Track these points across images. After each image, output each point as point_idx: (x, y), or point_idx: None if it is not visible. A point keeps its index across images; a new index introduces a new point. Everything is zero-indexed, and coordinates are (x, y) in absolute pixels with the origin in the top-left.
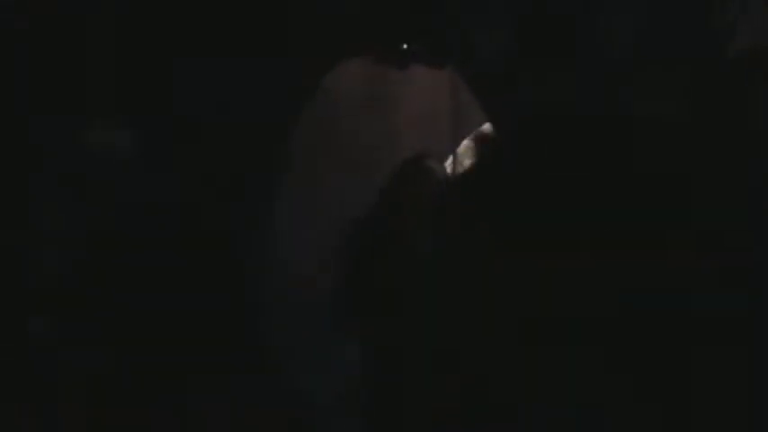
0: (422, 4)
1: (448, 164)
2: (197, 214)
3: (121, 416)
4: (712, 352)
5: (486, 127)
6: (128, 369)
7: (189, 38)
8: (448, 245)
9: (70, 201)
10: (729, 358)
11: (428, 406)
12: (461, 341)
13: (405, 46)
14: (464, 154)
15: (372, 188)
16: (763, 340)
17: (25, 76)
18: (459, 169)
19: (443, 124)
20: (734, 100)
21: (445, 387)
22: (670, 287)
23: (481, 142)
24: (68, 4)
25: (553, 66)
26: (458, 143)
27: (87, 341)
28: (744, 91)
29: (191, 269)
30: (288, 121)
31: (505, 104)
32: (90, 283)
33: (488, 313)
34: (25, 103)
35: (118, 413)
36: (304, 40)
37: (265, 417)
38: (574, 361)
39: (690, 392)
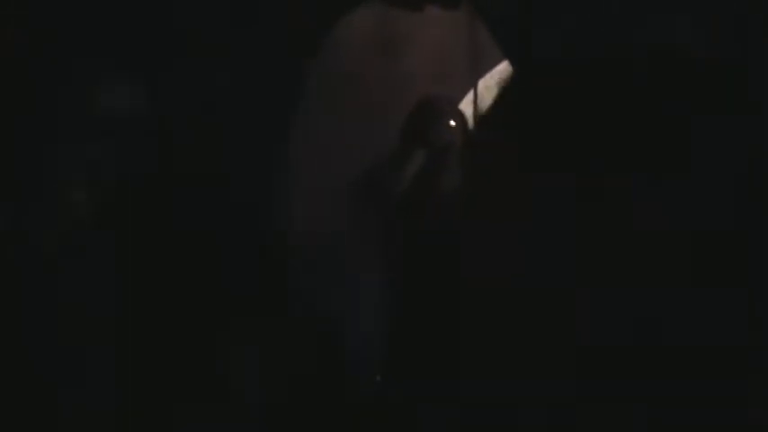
0: None
1: (467, 102)
2: (218, 165)
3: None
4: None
5: (504, 66)
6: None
7: None
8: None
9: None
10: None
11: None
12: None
13: None
14: (484, 92)
15: (391, 130)
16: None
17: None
18: (480, 107)
19: (461, 63)
20: None
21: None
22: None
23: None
24: None
25: (567, 5)
26: (476, 81)
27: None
28: None
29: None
30: (303, 68)
31: (521, 44)
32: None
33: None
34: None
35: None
36: None
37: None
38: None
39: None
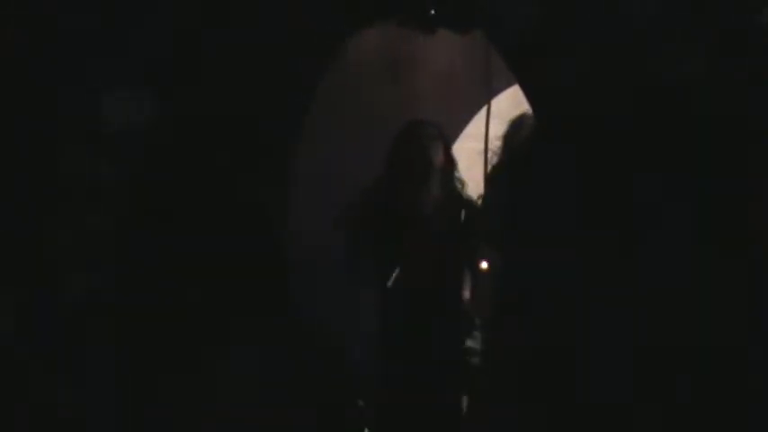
0: None
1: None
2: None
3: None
4: None
5: (514, 89)
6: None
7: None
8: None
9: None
10: None
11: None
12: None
13: (432, 12)
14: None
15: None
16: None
17: None
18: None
19: (471, 87)
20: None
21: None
22: None
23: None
24: None
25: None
26: (487, 104)
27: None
28: None
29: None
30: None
31: (535, 70)
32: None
33: None
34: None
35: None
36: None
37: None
38: None
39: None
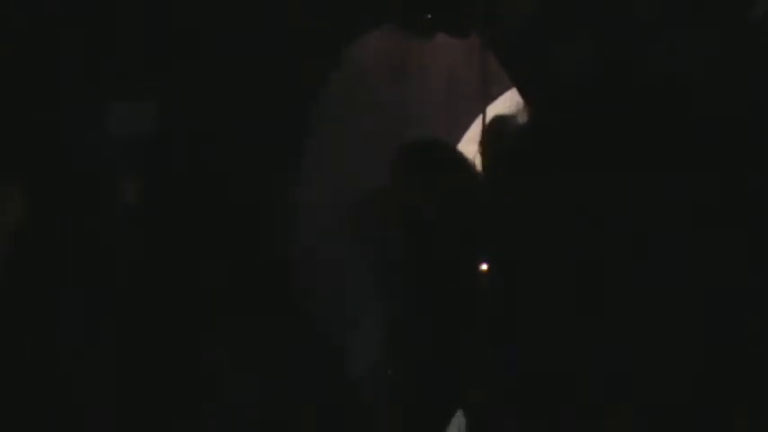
0: None
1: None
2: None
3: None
4: None
5: (512, 93)
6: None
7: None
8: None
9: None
10: None
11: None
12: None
13: (428, 16)
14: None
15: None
16: None
17: None
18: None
19: (470, 90)
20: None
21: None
22: None
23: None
24: None
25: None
26: (485, 108)
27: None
28: None
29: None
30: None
31: (534, 71)
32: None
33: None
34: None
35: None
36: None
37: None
38: None
39: None
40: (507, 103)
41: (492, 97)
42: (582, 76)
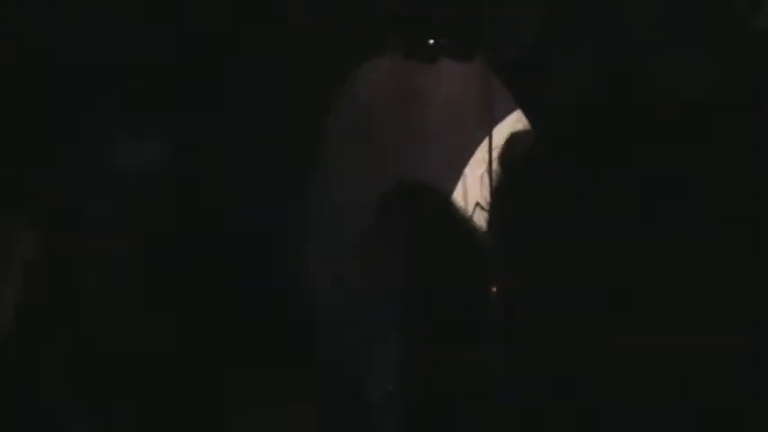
0: None
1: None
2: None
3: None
4: None
5: (516, 115)
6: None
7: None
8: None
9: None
10: None
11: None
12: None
13: (431, 41)
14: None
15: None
16: None
17: None
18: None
19: (474, 114)
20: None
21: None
22: None
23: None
24: None
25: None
26: (490, 131)
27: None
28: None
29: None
30: (318, 119)
31: (538, 94)
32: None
33: None
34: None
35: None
36: (333, 37)
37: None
38: None
39: None
40: (512, 123)
41: (497, 119)
42: (585, 93)
